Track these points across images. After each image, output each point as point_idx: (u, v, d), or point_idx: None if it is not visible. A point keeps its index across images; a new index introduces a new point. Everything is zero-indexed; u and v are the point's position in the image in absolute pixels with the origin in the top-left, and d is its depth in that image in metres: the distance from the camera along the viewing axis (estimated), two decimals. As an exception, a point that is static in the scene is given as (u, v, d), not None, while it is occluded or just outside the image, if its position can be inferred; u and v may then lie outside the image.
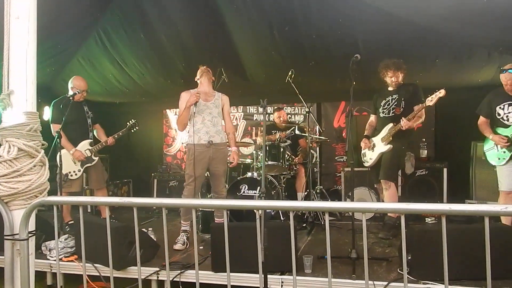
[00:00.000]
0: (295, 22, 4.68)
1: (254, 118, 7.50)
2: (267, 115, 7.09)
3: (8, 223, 2.08)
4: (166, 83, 6.40)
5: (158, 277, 3.46)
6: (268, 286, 2.98)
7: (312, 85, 6.12)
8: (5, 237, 2.10)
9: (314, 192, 5.43)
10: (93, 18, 5.16)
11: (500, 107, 3.95)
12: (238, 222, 4.28)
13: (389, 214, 4.45)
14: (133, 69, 6.04)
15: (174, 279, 3.38)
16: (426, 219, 4.95)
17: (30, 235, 2.06)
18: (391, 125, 4.44)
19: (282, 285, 3.23)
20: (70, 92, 4.74)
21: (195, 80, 4.37)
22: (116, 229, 3.51)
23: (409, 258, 3.19)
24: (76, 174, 4.82)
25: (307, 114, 5.39)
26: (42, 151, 2.13)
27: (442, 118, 6.51)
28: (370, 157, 4.68)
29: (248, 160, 5.82)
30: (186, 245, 4.20)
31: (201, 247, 4.21)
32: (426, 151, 6.15)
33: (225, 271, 2.12)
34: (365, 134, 4.82)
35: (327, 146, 6.95)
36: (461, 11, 3.78)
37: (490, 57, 4.87)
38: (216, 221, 4.33)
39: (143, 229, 4.17)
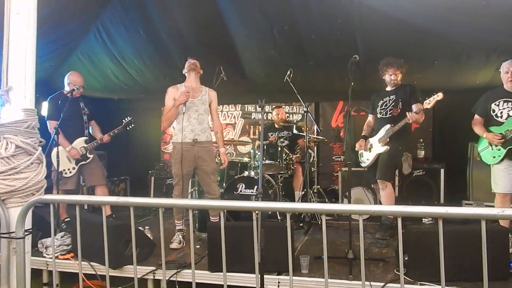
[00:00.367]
0: (294, 22, 4.68)
1: (252, 116, 7.50)
2: (265, 114, 7.10)
3: (5, 221, 2.08)
4: (165, 80, 6.36)
5: (154, 276, 3.45)
6: (264, 286, 2.99)
7: (311, 85, 6.12)
8: (1, 235, 2.09)
9: (311, 191, 5.42)
10: (93, 14, 5.14)
11: (495, 104, 3.94)
12: (235, 222, 4.27)
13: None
14: (132, 65, 6.02)
15: (171, 279, 3.38)
16: (423, 219, 4.95)
17: (26, 233, 2.06)
18: (388, 126, 4.44)
19: (278, 285, 3.23)
20: (67, 88, 4.71)
21: (183, 73, 4.30)
22: (113, 228, 3.49)
23: (406, 259, 3.20)
24: (70, 172, 4.78)
25: (305, 114, 5.38)
26: (40, 148, 2.12)
27: (440, 119, 6.53)
28: (367, 157, 4.68)
29: (246, 159, 5.81)
30: (183, 244, 4.18)
31: (197, 246, 4.20)
32: (423, 151, 6.18)
33: (222, 271, 2.12)
34: (362, 134, 4.81)
35: (325, 146, 6.95)
36: (459, 13, 3.79)
37: (488, 59, 4.88)
38: (211, 220, 4.31)
39: (140, 228, 4.17)
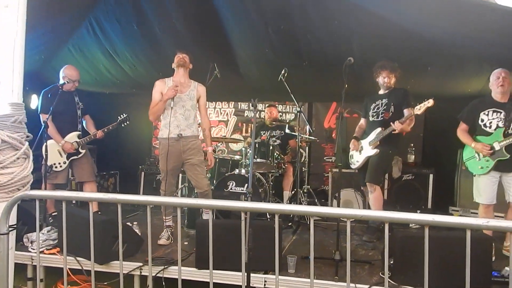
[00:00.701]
0: (291, 21, 4.66)
1: (245, 114, 7.49)
2: (258, 112, 7.11)
3: (-11, 216, 2.05)
4: (158, 75, 6.23)
5: (141, 272, 3.45)
6: (251, 285, 3.00)
7: (305, 85, 6.11)
8: (-15, 230, 2.06)
9: (301, 191, 5.44)
10: (86, 7, 5.08)
11: (484, 113, 3.94)
12: (224, 220, 4.26)
13: None
14: (125, 60, 5.97)
15: (157, 275, 3.37)
16: (410, 224, 4.98)
17: (10, 229, 2.03)
18: (379, 129, 4.45)
19: (265, 284, 3.25)
20: (61, 81, 4.68)
21: (172, 67, 4.27)
22: (101, 223, 3.49)
23: (391, 262, 3.23)
24: (61, 166, 4.75)
25: (298, 114, 5.39)
26: (27, 143, 2.09)
27: (431, 125, 6.56)
28: (357, 159, 4.70)
29: (237, 157, 5.81)
30: (171, 240, 4.18)
31: (186, 243, 4.20)
32: (413, 156, 6.21)
33: (209, 268, 2.13)
34: (354, 135, 4.83)
35: (317, 146, 6.97)
36: (455, 22, 3.80)
37: (481, 68, 4.90)
38: (204, 213, 4.30)
39: (128, 223, 4.16)
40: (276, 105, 6.83)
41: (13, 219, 2.09)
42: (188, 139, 4.14)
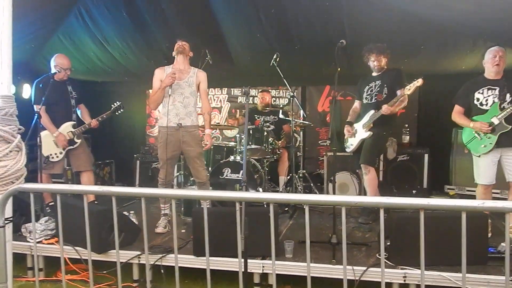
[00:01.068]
0: (281, 5, 4.62)
1: (239, 100, 7.46)
2: (251, 97, 7.08)
3: (-16, 209, 2.04)
4: (149, 63, 6.28)
5: (139, 260, 3.47)
6: (249, 271, 3.02)
7: (297, 69, 6.09)
8: (-19, 224, 2.05)
9: (296, 176, 5.45)
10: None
11: (479, 92, 3.94)
12: (221, 207, 4.28)
13: None
14: (116, 48, 5.90)
15: (156, 263, 3.39)
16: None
17: (6, 222, 2.02)
18: (372, 111, 4.45)
19: (263, 270, 3.28)
20: (53, 71, 4.62)
21: (172, 55, 4.24)
22: (98, 213, 3.49)
23: (388, 244, 3.26)
24: (57, 157, 4.72)
25: (291, 99, 5.36)
26: (19, 136, 2.07)
27: (425, 105, 6.58)
28: (351, 143, 4.71)
29: (232, 143, 5.80)
30: (168, 229, 4.19)
31: (183, 231, 4.22)
32: (408, 137, 6.23)
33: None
34: (347, 120, 4.83)
35: (311, 130, 6.96)
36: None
37: (475, 45, 4.89)
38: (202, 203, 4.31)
39: (125, 212, 4.16)
40: (269, 90, 6.80)
41: (8, 212, 2.08)
42: (188, 129, 4.13)
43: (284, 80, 5.13)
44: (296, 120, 5.59)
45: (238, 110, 7.30)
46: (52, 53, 4.83)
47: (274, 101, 7.10)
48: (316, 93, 7.15)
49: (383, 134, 4.54)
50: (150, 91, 7.61)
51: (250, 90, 7.19)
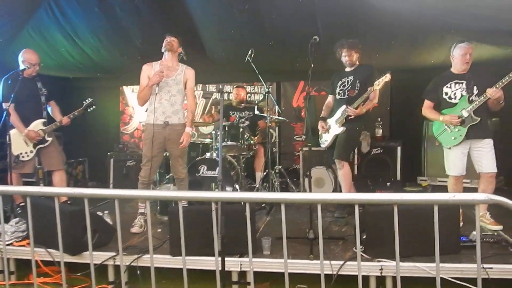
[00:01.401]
0: (255, 0, 4.60)
1: (213, 96, 7.42)
2: (226, 93, 7.05)
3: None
4: (123, 59, 6.17)
5: (114, 262, 3.40)
6: (227, 269, 3.01)
7: (272, 65, 6.09)
8: None
9: (273, 172, 5.46)
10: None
11: (447, 86, 4.04)
12: (197, 205, 4.25)
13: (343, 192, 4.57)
14: (87, 43, 5.76)
15: (132, 264, 3.34)
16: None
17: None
18: (344, 107, 4.50)
19: (241, 267, 3.27)
20: (22, 67, 4.49)
21: (161, 51, 4.20)
22: (71, 213, 3.42)
23: (364, 237, 3.31)
24: (28, 156, 4.60)
25: (266, 95, 5.37)
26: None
27: (397, 98, 6.71)
28: (325, 138, 4.75)
29: (208, 140, 5.76)
30: (144, 228, 4.14)
31: (159, 230, 4.17)
32: (381, 130, 6.34)
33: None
34: (321, 116, 4.87)
35: (286, 126, 7.00)
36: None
37: (443, 39, 5.00)
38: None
39: (99, 212, 4.08)
40: (244, 86, 6.79)
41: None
42: (175, 127, 4.12)
43: (259, 76, 5.12)
44: (271, 116, 5.60)
45: (213, 107, 7.27)
46: (21, 48, 4.68)
47: (249, 97, 7.09)
48: (290, 88, 7.18)
49: (356, 129, 4.60)
50: (124, 87, 7.62)
51: (225, 86, 7.16)
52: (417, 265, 3.04)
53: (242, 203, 3.90)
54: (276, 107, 6.09)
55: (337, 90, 4.66)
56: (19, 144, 4.54)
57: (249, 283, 3.23)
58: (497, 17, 3.78)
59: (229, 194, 2.18)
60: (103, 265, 3.38)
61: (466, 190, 4.59)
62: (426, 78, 4.35)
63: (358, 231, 1.80)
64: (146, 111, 4.22)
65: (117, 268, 3.42)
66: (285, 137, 7.11)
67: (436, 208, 1.64)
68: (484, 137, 3.91)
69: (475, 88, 3.92)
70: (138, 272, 3.30)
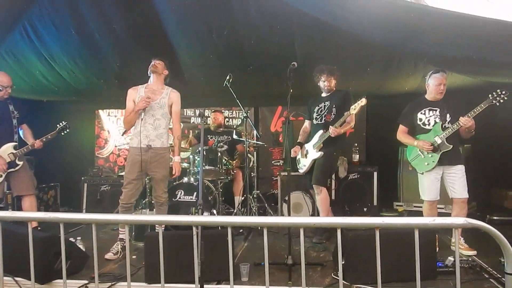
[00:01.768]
0: (234, 27, 4.65)
1: (192, 121, 7.39)
2: (205, 118, 7.03)
3: None
4: (99, 82, 6.11)
5: (87, 290, 3.28)
6: (204, 296, 2.93)
7: (250, 89, 6.14)
8: None
9: (251, 197, 5.43)
10: (18, 10, 4.77)
11: (421, 113, 4.17)
12: (174, 231, 4.16)
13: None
14: (63, 66, 5.68)
15: (105, 292, 3.22)
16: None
17: None
18: (321, 131, 4.55)
19: (219, 295, 3.19)
20: (-7, 89, 4.39)
21: (148, 74, 4.21)
22: (41, 240, 3.28)
23: (343, 262, 3.29)
24: (-4, 180, 4.44)
25: (245, 119, 5.38)
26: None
27: (373, 124, 6.82)
28: (303, 163, 4.78)
29: (185, 164, 5.70)
30: (119, 255, 4.02)
31: (133, 257, 4.05)
32: (358, 155, 6.41)
33: (159, 282, 2.05)
34: (298, 141, 4.92)
35: (264, 150, 7.01)
36: (392, 23, 3.96)
37: (416, 67, 5.16)
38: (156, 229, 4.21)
39: (71, 239, 3.95)
40: (222, 110, 6.80)
41: None
42: (157, 151, 4.08)
43: (238, 100, 5.14)
44: (249, 140, 5.60)
45: (191, 131, 7.23)
46: (-5, 71, 4.58)
47: (227, 121, 7.10)
48: (268, 113, 7.23)
49: (334, 154, 4.64)
50: (100, 111, 7.52)
51: (200, 110, 7.15)
52: (396, 290, 3.03)
53: (220, 228, 3.87)
54: (255, 132, 6.10)
55: (314, 115, 4.73)
56: None
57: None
58: (468, 45, 3.92)
59: (211, 218, 2.15)
60: (74, 294, 3.24)
61: (440, 215, 4.65)
62: (401, 104, 4.46)
63: (340, 254, 1.78)
64: (123, 135, 4.18)
65: (89, 296, 3.29)
66: (263, 162, 7.11)
67: (417, 232, 1.64)
68: (456, 164, 4.02)
69: (448, 115, 4.05)
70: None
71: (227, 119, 7.10)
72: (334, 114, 4.55)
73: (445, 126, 4.01)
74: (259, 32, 4.71)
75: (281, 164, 6.91)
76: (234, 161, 5.72)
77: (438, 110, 4.09)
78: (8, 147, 4.50)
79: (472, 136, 4.03)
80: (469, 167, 4.17)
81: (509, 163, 5.60)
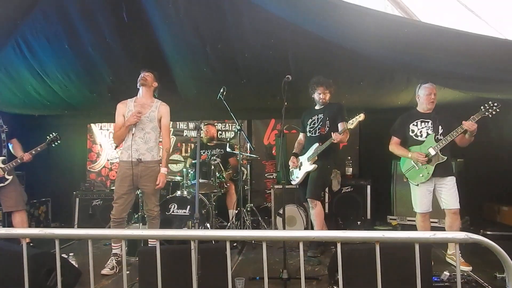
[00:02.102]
0: (228, 40, 4.68)
1: (184, 134, 7.37)
2: (201, 131, 7.01)
3: None
4: (92, 96, 6.08)
5: (79, 307, 3.22)
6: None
7: (243, 102, 6.15)
8: None
9: (244, 210, 5.40)
10: (11, 24, 4.76)
11: (413, 124, 4.21)
12: (168, 245, 4.12)
13: None
14: (56, 80, 5.65)
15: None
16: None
17: None
18: (317, 144, 4.56)
19: (214, 310, 3.14)
20: (-20, 104, 4.35)
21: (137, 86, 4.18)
22: (33, 257, 3.21)
23: (338, 277, 3.26)
24: (-15, 195, 4.38)
25: (238, 132, 5.38)
26: None
27: (366, 137, 6.84)
28: (297, 175, 4.78)
29: (178, 178, 5.67)
30: (116, 270, 3.97)
31: (127, 272, 3.98)
32: (351, 168, 6.42)
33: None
34: (293, 152, 4.92)
35: (257, 163, 6.99)
36: (385, 38, 4.00)
37: (409, 82, 5.22)
38: (149, 242, 4.15)
39: (63, 255, 3.88)
40: (215, 123, 6.79)
41: None
42: (148, 164, 4.06)
43: (231, 113, 5.14)
44: (243, 153, 5.59)
45: (184, 144, 7.21)
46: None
47: (220, 134, 7.09)
48: (262, 126, 7.24)
49: (327, 167, 4.65)
50: (92, 125, 7.47)
51: (196, 123, 7.14)
52: (394, 305, 3.00)
53: (213, 242, 3.83)
54: (248, 145, 6.09)
55: (308, 128, 4.75)
56: None
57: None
58: (460, 61, 3.97)
59: (210, 232, 2.12)
60: (66, 311, 3.18)
61: (434, 229, 4.66)
62: (394, 118, 4.50)
63: (340, 269, 1.77)
64: (116, 149, 4.15)
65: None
66: (256, 175, 7.09)
67: (417, 247, 1.64)
68: (447, 175, 4.05)
69: (440, 127, 4.08)
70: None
71: (220, 132, 7.09)
72: (328, 126, 4.57)
73: (438, 137, 4.05)
74: (253, 45, 4.74)
75: (274, 177, 6.90)
76: (226, 173, 5.69)
77: (430, 122, 4.13)
78: (-4, 162, 4.45)
79: (466, 148, 4.06)
80: (462, 182, 4.21)
81: (501, 177, 5.65)
